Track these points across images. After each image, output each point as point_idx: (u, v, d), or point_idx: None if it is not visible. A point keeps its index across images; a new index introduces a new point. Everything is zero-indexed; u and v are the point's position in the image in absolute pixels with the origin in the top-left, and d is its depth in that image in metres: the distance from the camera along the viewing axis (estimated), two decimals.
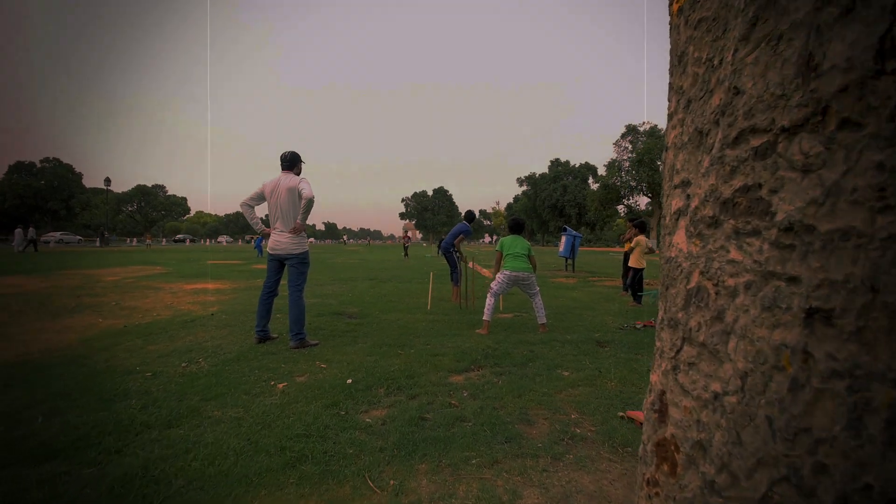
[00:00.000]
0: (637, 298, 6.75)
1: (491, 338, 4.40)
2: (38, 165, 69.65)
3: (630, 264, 6.92)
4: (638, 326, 4.91)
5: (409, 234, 26.46)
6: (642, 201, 52.20)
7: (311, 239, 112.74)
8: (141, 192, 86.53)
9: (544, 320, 4.75)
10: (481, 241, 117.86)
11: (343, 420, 2.40)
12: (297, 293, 4.05)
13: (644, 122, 50.77)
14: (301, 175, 4.18)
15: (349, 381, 3.01)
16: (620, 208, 55.21)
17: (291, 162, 4.15)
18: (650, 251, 6.87)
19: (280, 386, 2.92)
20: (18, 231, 26.57)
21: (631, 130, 51.15)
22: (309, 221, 4.26)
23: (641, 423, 2.07)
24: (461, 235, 6.97)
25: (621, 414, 2.50)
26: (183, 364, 3.40)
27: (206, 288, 8.40)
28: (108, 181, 39.17)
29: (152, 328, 4.72)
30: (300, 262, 4.09)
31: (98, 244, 44.03)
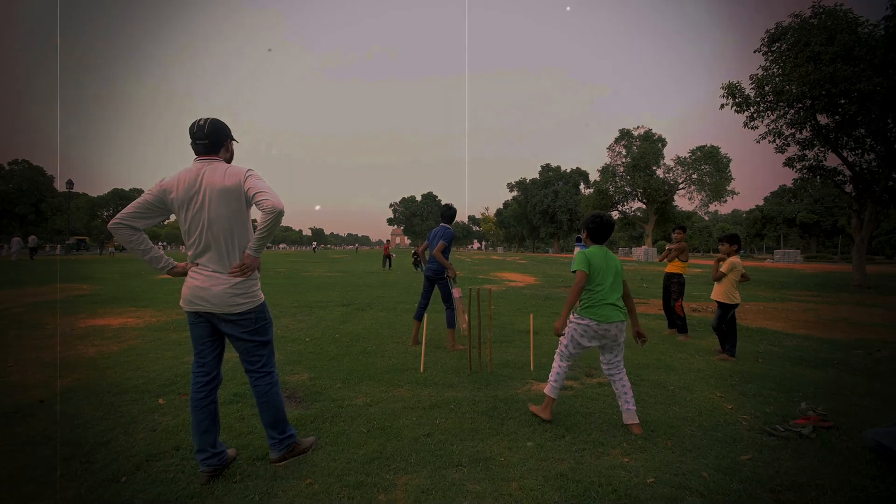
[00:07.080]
0: (729, 348, 4.60)
1: (562, 476, 2.17)
2: (6, 168, 65.45)
3: (714, 297, 4.73)
4: (804, 431, 2.71)
5: (391, 242, 23.89)
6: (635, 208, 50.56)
7: (326, 244, 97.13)
8: (117, 195, 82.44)
9: (636, 419, 2.75)
10: (469, 247, 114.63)
11: None
12: (266, 379, 2.18)
13: (638, 127, 49.25)
14: (236, 164, 2.16)
15: None
16: (614, 214, 53.64)
17: (213, 139, 2.08)
18: (744, 278, 4.70)
19: None
20: (16, 240, 25.01)
21: (625, 135, 49.51)
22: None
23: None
24: (442, 243, 4.66)
25: None
26: None
27: (110, 325, 6.01)
28: (70, 183, 35.83)
29: None
30: (253, 326, 2.11)
31: (62, 252, 40.89)
